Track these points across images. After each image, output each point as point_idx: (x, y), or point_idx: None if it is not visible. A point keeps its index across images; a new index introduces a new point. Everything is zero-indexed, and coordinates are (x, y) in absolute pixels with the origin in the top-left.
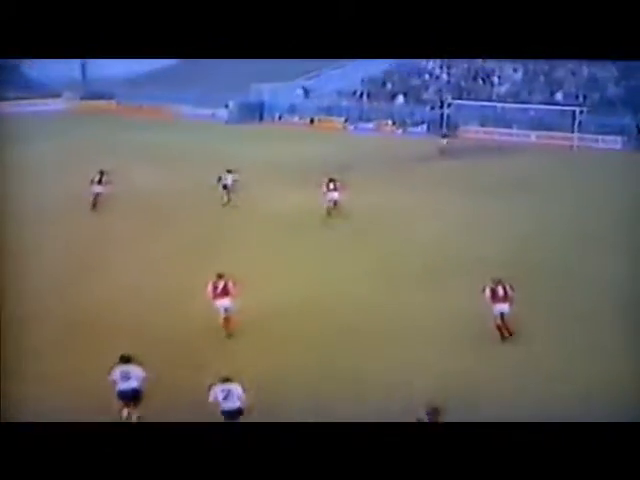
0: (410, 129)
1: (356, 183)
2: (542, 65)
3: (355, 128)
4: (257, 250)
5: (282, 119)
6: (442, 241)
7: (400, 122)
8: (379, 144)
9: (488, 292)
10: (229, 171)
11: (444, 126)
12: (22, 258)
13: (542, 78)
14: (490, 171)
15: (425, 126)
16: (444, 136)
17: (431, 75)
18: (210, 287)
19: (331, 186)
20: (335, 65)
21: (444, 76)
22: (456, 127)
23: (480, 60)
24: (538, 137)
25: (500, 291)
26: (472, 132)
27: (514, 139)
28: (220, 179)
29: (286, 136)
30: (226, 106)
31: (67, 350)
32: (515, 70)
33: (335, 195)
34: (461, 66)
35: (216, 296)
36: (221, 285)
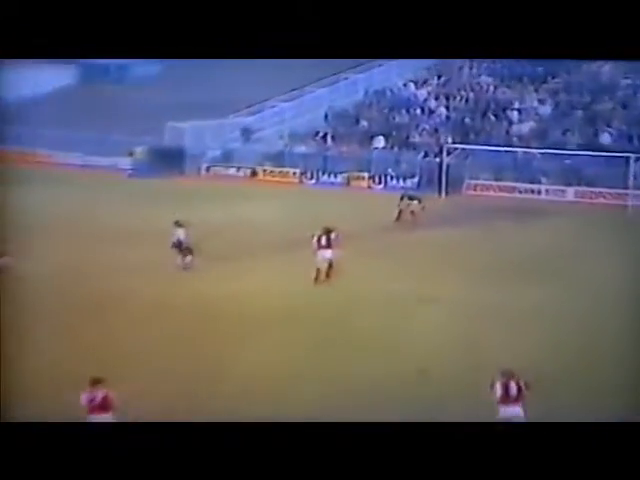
0: (394, 184)
1: None
2: (580, 95)
3: (317, 182)
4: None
5: (212, 171)
6: (438, 337)
7: (380, 174)
8: (350, 205)
9: (499, 389)
10: (179, 224)
11: (443, 179)
12: None
13: (580, 113)
14: (507, 242)
15: (416, 180)
16: (411, 198)
17: (423, 109)
18: (84, 399)
19: (323, 240)
20: (287, 96)
21: (442, 110)
22: (460, 181)
23: (491, 88)
24: (577, 194)
25: (513, 389)
26: (482, 188)
27: (542, 198)
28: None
29: (217, 195)
30: (130, 154)
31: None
32: (542, 101)
33: (328, 253)
34: (465, 96)
35: (92, 410)
36: (99, 396)
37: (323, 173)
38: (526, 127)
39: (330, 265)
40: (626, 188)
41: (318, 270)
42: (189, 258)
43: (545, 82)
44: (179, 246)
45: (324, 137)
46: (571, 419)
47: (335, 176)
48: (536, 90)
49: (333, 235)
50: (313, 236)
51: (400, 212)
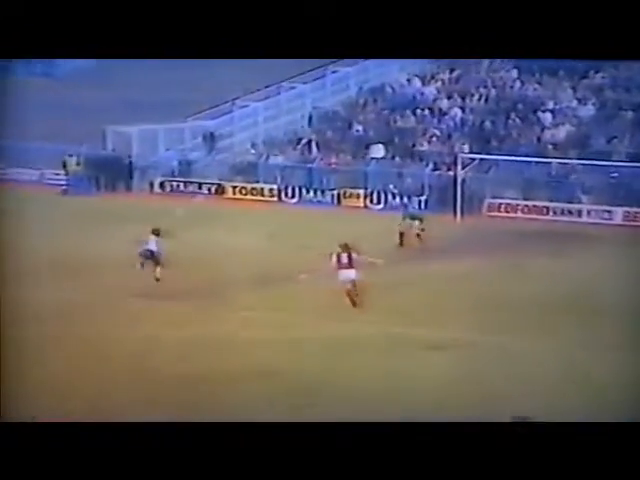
0: (397, 203)
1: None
2: (630, 93)
3: (299, 201)
4: None
5: (166, 187)
6: (450, 389)
7: (379, 191)
8: (342, 229)
9: None
10: (156, 233)
11: (458, 198)
12: None
13: (631, 115)
14: (538, 275)
15: (424, 198)
16: (413, 218)
17: (433, 111)
18: None
19: (344, 259)
20: (261, 93)
21: (456, 111)
22: (480, 200)
23: (518, 83)
24: (627, 216)
25: None
26: (507, 208)
27: (583, 220)
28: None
29: (175, 216)
30: (63, 165)
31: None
32: (582, 101)
33: (352, 274)
34: (485, 94)
35: None
36: None
37: (307, 190)
38: (562, 132)
39: (354, 286)
40: None
41: (348, 292)
42: (158, 269)
43: (586, 77)
44: (152, 255)
45: (308, 145)
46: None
47: (322, 193)
48: (574, 87)
49: (355, 254)
50: (332, 254)
51: (402, 235)
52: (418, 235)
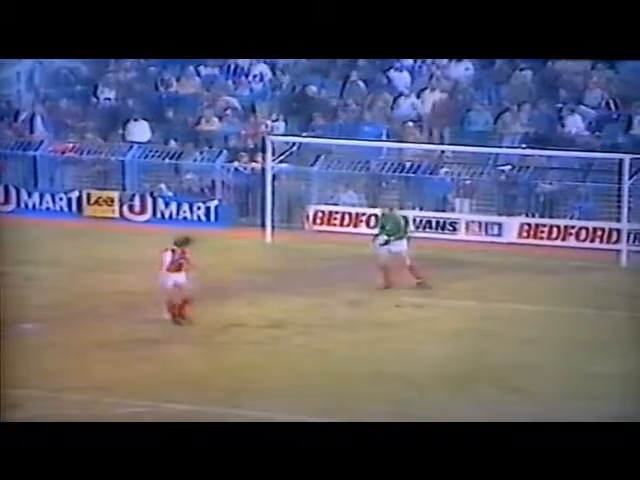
0: (173, 213)
1: None
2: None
3: (16, 209)
4: None
5: None
6: None
7: (144, 194)
8: (87, 254)
9: None
10: None
11: (268, 203)
12: None
13: (529, 75)
14: (390, 326)
15: (213, 205)
16: (389, 232)
17: (226, 68)
18: None
19: (173, 255)
20: None
21: (263, 69)
22: (299, 207)
23: None
24: (525, 232)
25: None
26: (344, 220)
27: (458, 238)
28: None
29: None
30: None
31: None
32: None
33: (181, 278)
34: None
35: None
36: None
37: (29, 192)
38: (428, 103)
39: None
40: (618, 220)
41: (169, 304)
42: None
43: None
44: None
45: (30, 121)
46: None
47: (53, 198)
48: None
49: (188, 253)
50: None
51: (386, 269)
52: (409, 267)
